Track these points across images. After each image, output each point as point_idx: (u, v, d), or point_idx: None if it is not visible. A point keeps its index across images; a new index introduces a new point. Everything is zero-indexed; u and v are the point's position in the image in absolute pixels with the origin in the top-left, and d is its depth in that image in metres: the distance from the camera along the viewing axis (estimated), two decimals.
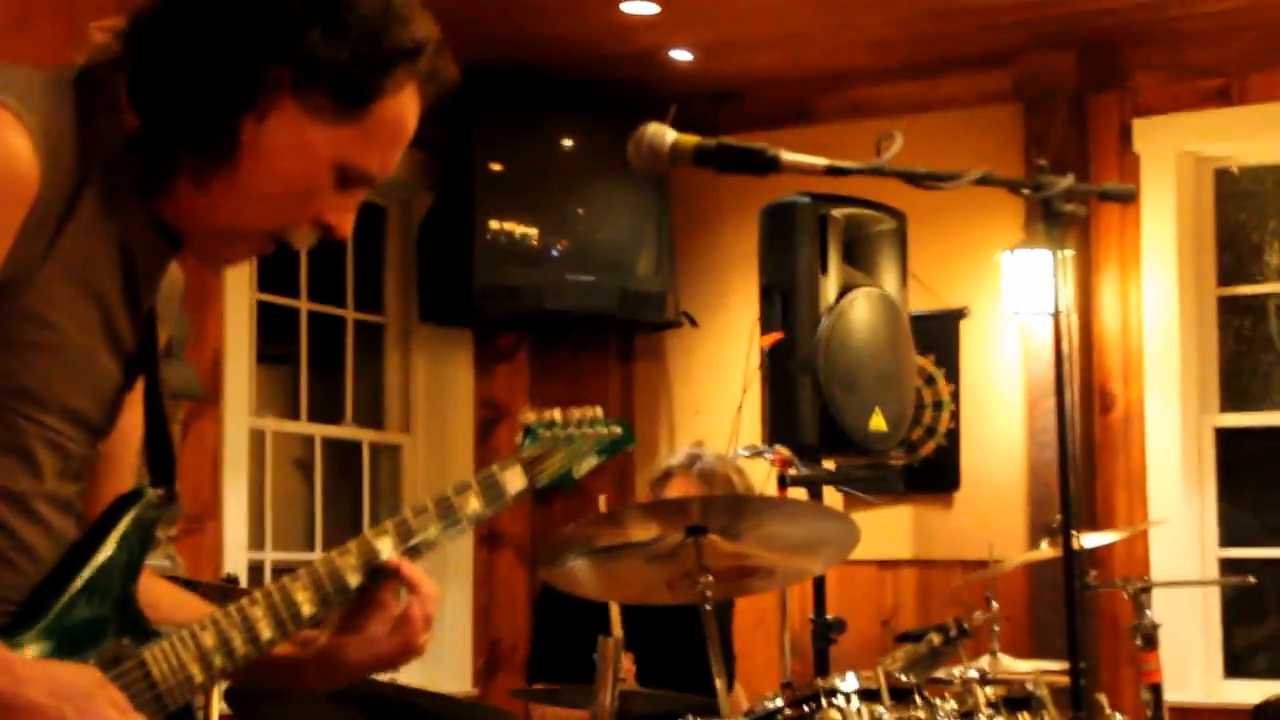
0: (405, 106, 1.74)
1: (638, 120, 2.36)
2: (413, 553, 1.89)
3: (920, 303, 5.70)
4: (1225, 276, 5.96)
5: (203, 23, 1.67)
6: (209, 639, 1.75)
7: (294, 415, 5.97)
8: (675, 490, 4.28)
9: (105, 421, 1.76)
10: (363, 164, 1.73)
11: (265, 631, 1.78)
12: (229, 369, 5.38)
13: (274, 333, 5.83)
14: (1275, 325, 5.95)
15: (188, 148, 1.68)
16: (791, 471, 4.51)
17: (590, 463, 2.04)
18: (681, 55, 5.97)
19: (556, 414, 2.01)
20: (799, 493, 4.58)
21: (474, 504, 1.93)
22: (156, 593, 1.86)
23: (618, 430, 2.07)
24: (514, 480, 1.97)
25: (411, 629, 1.88)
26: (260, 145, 1.68)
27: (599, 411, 2.06)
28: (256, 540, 5.57)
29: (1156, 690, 4.45)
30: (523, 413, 2.01)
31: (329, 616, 1.86)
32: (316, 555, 2.09)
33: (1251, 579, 5.03)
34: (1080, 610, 2.46)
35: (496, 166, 6.03)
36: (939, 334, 6.01)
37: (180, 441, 4.99)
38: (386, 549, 1.86)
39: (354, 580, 1.84)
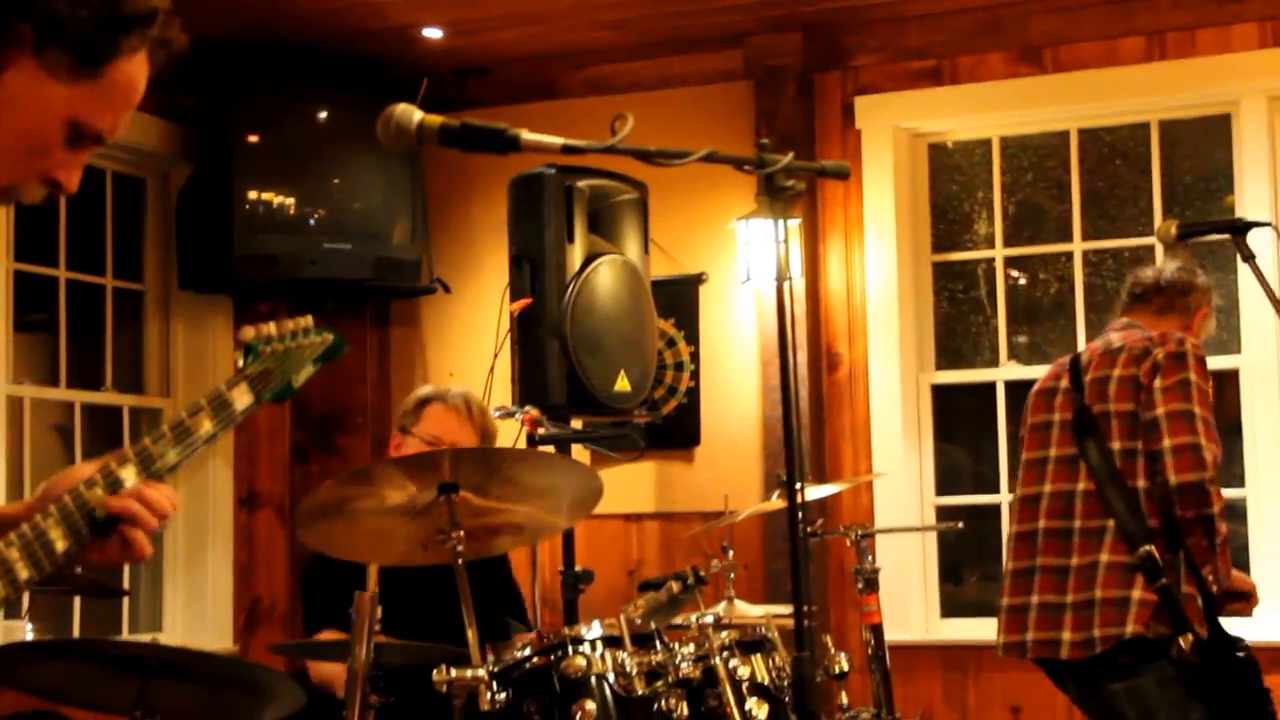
0: (137, 70, 1.81)
1: (391, 94, 2.46)
2: (155, 477, 1.92)
3: (661, 269, 5.87)
4: (939, 244, 6.18)
5: None
6: None
7: (53, 382, 5.95)
8: (434, 418, 4.29)
9: None
10: (95, 122, 1.79)
11: (23, 572, 1.80)
12: None
13: (32, 301, 5.81)
14: (984, 289, 6.17)
15: None
16: (541, 431, 4.63)
17: (308, 371, 2.08)
18: (432, 32, 6.04)
19: (271, 327, 2.04)
20: (548, 451, 4.78)
21: (206, 424, 1.95)
22: None
23: (330, 337, 2.11)
24: (241, 398, 2.00)
25: (135, 547, 1.92)
26: None
27: (310, 321, 2.09)
28: None
29: (877, 630, 4.62)
30: (242, 331, 2.03)
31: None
32: None
33: (960, 524, 5.25)
34: (806, 557, 2.63)
35: (254, 138, 6.07)
36: (679, 299, 6.13)
37: None
38: (130, 477, 1.89)
39: (102, 511, 1.87)
